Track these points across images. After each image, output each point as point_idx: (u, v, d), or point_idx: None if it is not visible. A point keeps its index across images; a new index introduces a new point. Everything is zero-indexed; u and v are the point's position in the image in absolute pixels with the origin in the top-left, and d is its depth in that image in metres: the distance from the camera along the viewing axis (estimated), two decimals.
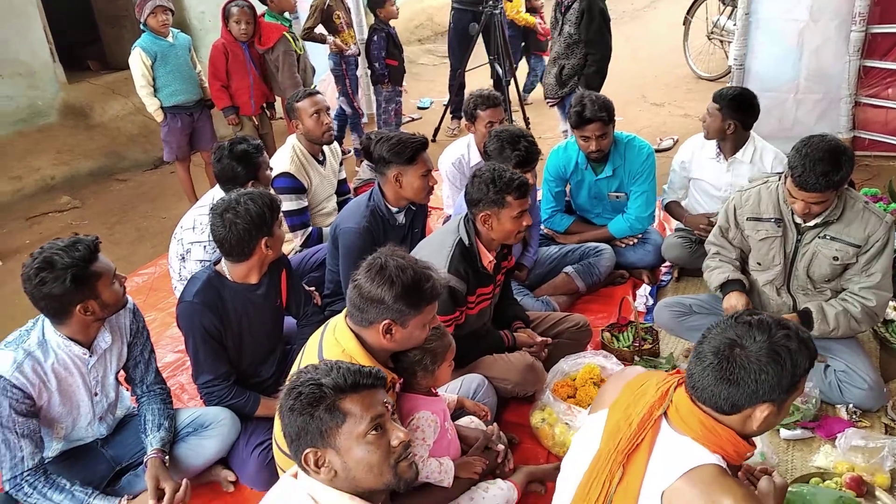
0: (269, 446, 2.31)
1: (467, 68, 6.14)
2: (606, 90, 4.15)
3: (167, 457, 2.27)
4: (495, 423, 2.39)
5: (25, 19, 5.74)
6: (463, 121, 3.95)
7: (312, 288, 3.21)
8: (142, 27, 4.49)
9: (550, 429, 2.52)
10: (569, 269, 3.53)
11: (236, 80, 4.73)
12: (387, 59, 5.63)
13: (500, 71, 5.75)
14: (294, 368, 2.06)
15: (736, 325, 1.47)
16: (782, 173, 2.65)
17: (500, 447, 2.29)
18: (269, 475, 2.27)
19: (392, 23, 5.61)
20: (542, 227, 3.80)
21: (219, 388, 2.47)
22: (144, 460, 2.23)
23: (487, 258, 2.59)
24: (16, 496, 2.07)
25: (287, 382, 1.49)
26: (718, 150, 3.42)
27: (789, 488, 2.05)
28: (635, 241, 3.71)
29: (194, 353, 2.44)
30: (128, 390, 2.55)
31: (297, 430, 1.42)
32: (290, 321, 2.86)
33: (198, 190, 4.85)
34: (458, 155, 3.78)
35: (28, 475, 2.07)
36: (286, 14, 4.99)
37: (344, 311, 2.02)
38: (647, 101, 7.03)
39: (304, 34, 5.27)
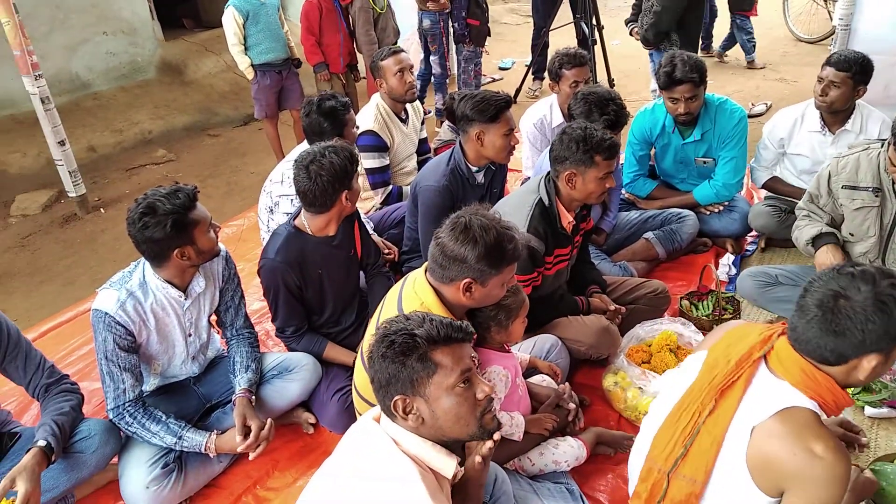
0: (349, 392, 2.42)
1: (552, 27, 6.00)
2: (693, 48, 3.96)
3: (254, 397, 2.39)
4: (567, 383, 2.40)
5: None
6: (546, 80, 3.89)
7: (390, 246, 3.30)
8: None
9: (623, 392, 2.52)
10: (649, 234, 3.46)
11: (328, 35, 4.81)
12: (468, 18, 5.57)
13: (585, 30, 5.59)
14: (374, 319, 2.13)
15: (839, 276, 1.46)
16: (886, 140, 2.49)
17: (572, 406, 2.30)
18: (348, 419, 2.37)
19: None
20: (623, 191, 3.72)
21: (287, 335, 2.63)
22: (233, 399, 2.36)
23: (567, 218, 2.57)
24: (118, 424, 2.24)
25: (376, 330, 1.52)
26: (822, 122, 3.23)
27: (872, 466, 1.98)
28: (721, 208, 3.59)
29: (273, 303, 2.58)
30: (219, 333, 2.70)
31: (388, 377, 1.45)
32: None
33: (285, 147, 5.01)
34: (540, 115, 3.73)
35: (129, 406, 2.23)
36: None
37: (424, 265, 2.06)
38: (740, 63, 6.69)
39: None
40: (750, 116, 4.79)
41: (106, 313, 2.17)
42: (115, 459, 2.28)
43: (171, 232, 2.11)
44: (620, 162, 3.72)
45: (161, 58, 6.57)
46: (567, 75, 3.54)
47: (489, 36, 6.06)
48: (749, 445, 1.48)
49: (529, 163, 3.84)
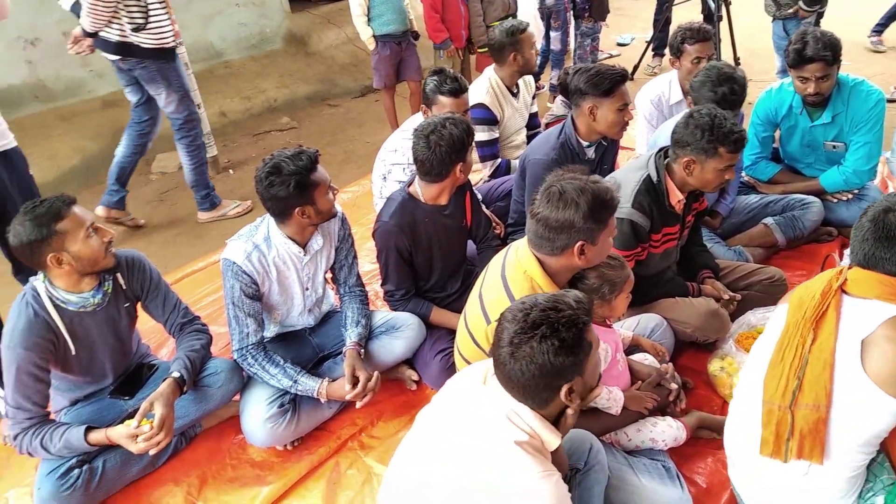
0: (451, 353, 2.51)
1: (676, 2, 5.78)
2: (830, 26, 3.71)
3: (362, 350, 2.54)
4: (670, 363, 2.38)
5: None
6: (667, 56, 3.78)
7: (495, 219, 3.35)
8: None
9: (729, 378, 2.46)
10: (769, 220, 3.31)
11: (451, 11, 4.87)
12: None
13: (711, 5, 5.34)
14: (477, 285, 2.19)
15: (890, 196, 1.65)
16: None
17: (674, 386, 2.28)
18: (449, 377, 2.46)
19: None
20: (742, 173, 3.58)
21: (395, 298, 2.75)
22: (343, 350, 2.52)
23: (677, 197, 2.51)
24: (241, 364, 2.44)
25: (529, 321, 1.44)
26: None
27: None
28: (850, 196, 3.38)
29: (384, 265, 2.70)
30: (333, 290, 2.87)
31: (559, 369, 1.43)
32: (471, 246, 3.02)
33: (400, 118, 5.14)
34: (658, 92, 3.64)
35: (251, 349, 2.42)
36: None
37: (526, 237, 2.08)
38: (883, 43, 6.17)
39: None
40: (889, 101, 4.44)
41: (234, 262, 2.36)
42: (237, 397, 2.49)
43: (294, 191, 2.25)
44: None
45: (287, 29, 6.88)
46: (689, 50, 3.43)
47: (609, 12, 5.92)
48: (865, 359, 1.55)
49: (642, 140, 3.76)
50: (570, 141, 2.97)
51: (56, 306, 2.13)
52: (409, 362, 2.73)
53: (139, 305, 2.42)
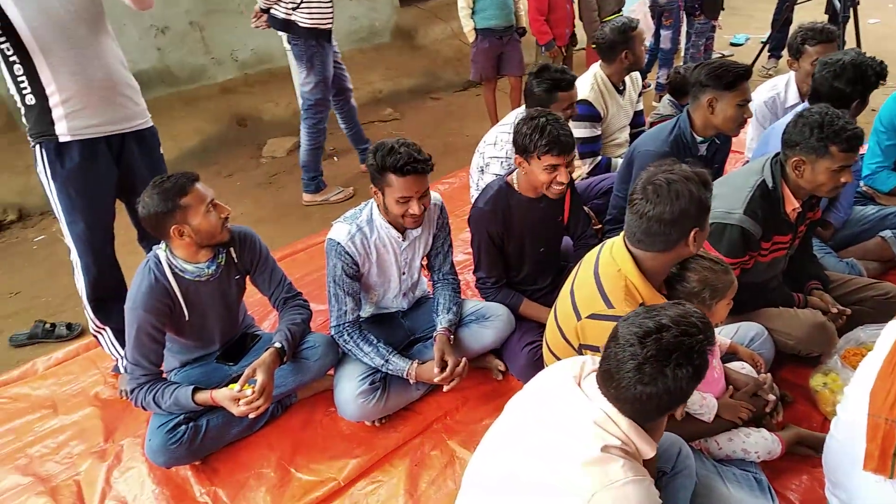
0: (539, 346, 2.51)
1: (798, 1, 5.48)
2: None
3: (452, 336, 2.59)
4: (769, 374, 2.28)
5: None
6: (785, 56, 3.60)
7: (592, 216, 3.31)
8: None
9: (832, 395, 2.34)
10: (887, 233, 3.10)
11: (557, 11, 4.85)
12: None
13: (837, 5, 5.03)
14: (567, 282, 2.18)
15: None
16: None
17: (771, 398, 2.19)
18: (536, 371, 2.39)
19: None
20: (860, 183, 3.36)
21: (487, 286, 2.77)
22: (434, 335, 2.57)
23: (792, 205, 2.40)
24: (337, 341, 2.55)
25: (664, 345, 1.38)
26: None
27: None
28: None
29: (477, 252, 2.74)
30: (426, 276, 2.94)
31: (687, 392, 1.40)
32: (567, 242, 3.00)
33: (500, 113, 5.17)
34: (773, 94, 3.48)
35: (348, 326, 2.53)
36: None
37: (622, 233, 2.04)
38: None
39: None
40: None
41: (338, 243, 2.46)
42: (331, 371, 2.61)
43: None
44: (861, 151, 3.36)
45: (396, 23, 7.05)
46: (810, 52, 3.26)
47: (723, 9, 5.70)
48: None
49: (753, 144, 3.61)
50: (683, 135, 2.90)
51: (175, 274, 2.30)
52: (497, 352, 2.75)
53: (248, 278, 2.57)
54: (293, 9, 4.14)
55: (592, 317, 1.95)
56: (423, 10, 7.51)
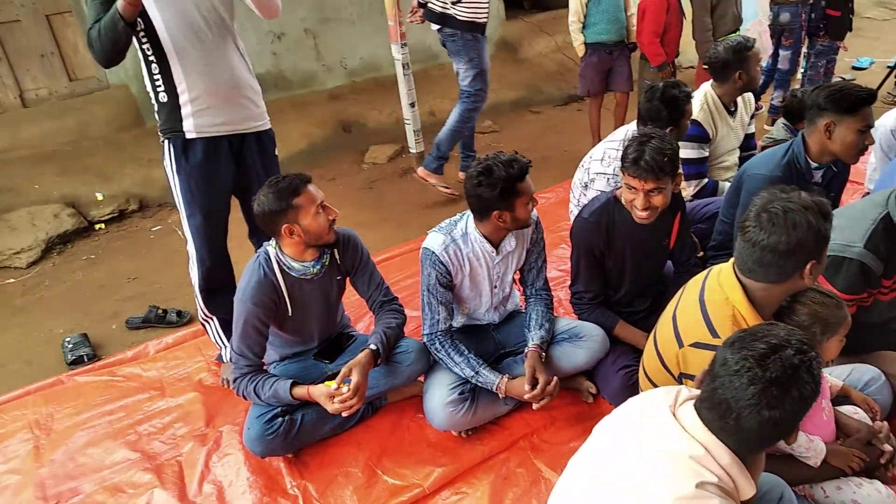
0: (635, 370, 2.45)
1: None
2: None
3: (544, 354, 2.57)
4: (885, 422, 2.13)
5: None
6: None
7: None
8: None
9: None
10: None
11: (672, 31, 4.73)
12: (827, 8, 5.01)
13: None
14: (669, 307, 2.12)
15: None
16: None
17: (887, 448, 2.04)
18: (629, 396, 2.37)
19: None
20: None
21: (584, 301, 2.72)
22: (525, 351, 2.56)
23: None
24: (429, 348, 2.58)
25: (787, 366, 1.32)
26: None
27: None
28: None
29: (575, 264, 2.71)
30: (519, 291, 2.93)
31: (797, 414, 1.35)
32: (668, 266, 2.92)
33: (602, 130, 5.09)
34: None
35: (440, 335, 2.56)
36: None
37: (731, 260, 1.96)
38: None
39: None
40: None
41: (432, 252, 2.50)
42: (422, 377, 2.64)
43: (498, 195, 2.33)
44: None
45: (500, 36, 7.09)
46: None
47: (850, 31, 5.39)
48: None
49: (875, 175, 3.39)
50: (797, 160, 2.76)
51: (282, 271, 2.40)
52: (588, 374, 2.71)
53: (348, 279, 2.65)
54: (452, 3, 4.32)
55: (696, 345, 1.89)
56: (529, 23, 7.51)
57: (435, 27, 4.52)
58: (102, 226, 4.91)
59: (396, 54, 4.95)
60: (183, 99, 2.51)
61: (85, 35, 2.32)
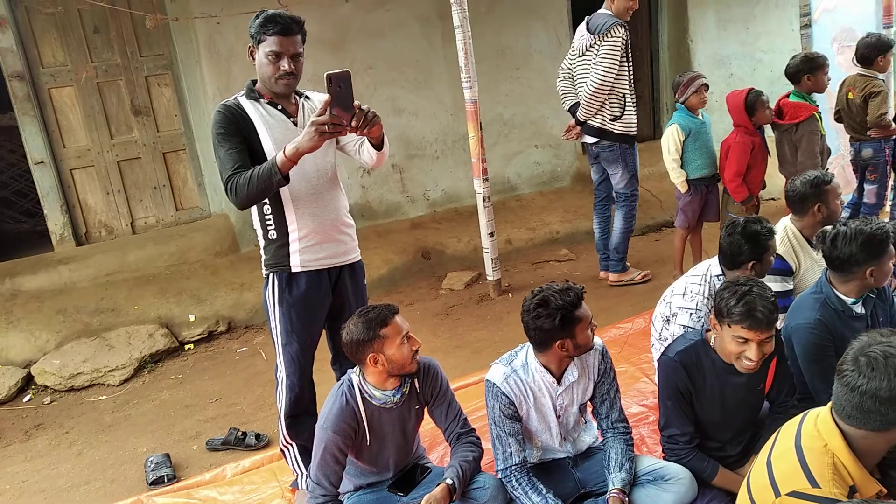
0: None
1: None
2: None
3: (627, 499, 2.45)
4: None
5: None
6: None
7: None
8: (677, 105, 4.96)
9: None
10: None
11: (754, 169, 4.76)
12: None
13: None
14: (764, 451, 2.01)
15: None
16: None
17: None
18: None
19: None
20: None
21: (679, 445, 2.59)
22: (607, 496, 2.46)
23: None
24: (506, 485, 2.51)
25: None
26: None
27: None
28: None
29: (664, 405, 2.61)
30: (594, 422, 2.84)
31: None
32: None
33: (685, 261, 5.08)
34: None
35: (515, 470, 2.49)
36: (813, 96, 4.84)
37: (829, 404, 1.88)
38: None
39: (878, 118, 4.95)
40: None
41: (494, 384, 2.52)
42: None
43: (558, 325, 2.35)
44: None
45: (577, 169, 7.32)
46: None
47: None
48: None
49: None
50: (829, 299, 2.71)
51: (363, 398, 2.45)
52: None
53: (426, 409, 2.65)
54: (611, 120, 4.92)
55: (794, 494, 1.78)
56: None
57: (591, 140, 5.07)
58: (192, 346, 5.15)
59: (478, 188, 5.18)
60: (292, 237, 2.66)
61: (223, 180, 2.48)
